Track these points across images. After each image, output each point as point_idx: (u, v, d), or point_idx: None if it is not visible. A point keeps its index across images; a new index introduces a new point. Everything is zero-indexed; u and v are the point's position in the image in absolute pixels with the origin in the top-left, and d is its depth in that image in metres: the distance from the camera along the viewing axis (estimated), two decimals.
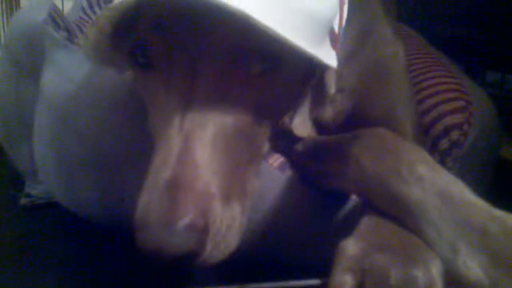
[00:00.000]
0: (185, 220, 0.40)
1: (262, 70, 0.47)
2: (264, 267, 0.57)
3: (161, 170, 0.43)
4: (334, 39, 0.56)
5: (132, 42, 0.49)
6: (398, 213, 0.44)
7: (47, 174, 0.70)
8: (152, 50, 0.47)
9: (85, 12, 1.31)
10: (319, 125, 0.68)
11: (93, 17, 1.33)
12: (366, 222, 0.45)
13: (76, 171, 0.64)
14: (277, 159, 0.61)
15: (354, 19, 0.63)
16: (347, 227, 0.58)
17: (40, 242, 0.72)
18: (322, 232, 0.60)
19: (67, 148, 0.64)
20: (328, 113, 0.69)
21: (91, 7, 1.36)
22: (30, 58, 0.72)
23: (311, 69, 0.54)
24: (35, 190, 0.80)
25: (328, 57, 0.51)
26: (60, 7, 1.24)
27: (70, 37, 0.66)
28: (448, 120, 0.77)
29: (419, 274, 0.37)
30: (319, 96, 0.58)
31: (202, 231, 0.41)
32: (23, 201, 0.80)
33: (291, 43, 0.42)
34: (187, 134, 0.44)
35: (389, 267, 0.38)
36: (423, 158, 0.47)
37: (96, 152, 0.62)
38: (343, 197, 0.60)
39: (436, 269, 0.38)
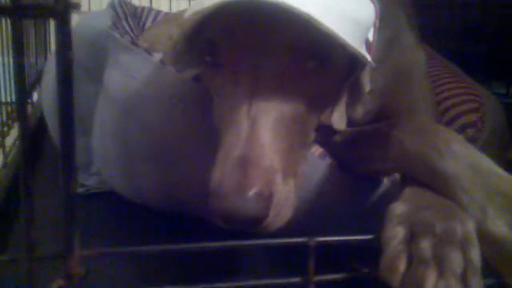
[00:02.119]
0: (254, 190, 0.48)
1: (314, 66, 0.56)
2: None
3: (232, 148, 0.51)
4: (368, 46, 0.64)
5: (202, 43, 0.58)
6: (435, 183, 0.52)
7: (108, 164, 0.78)
8: (220, 50, 0.56)
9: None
10: (350, 123, 0.77)
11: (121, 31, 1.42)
12: (409, 190, 0.53)
13: (138, 161, 0.72)
14: (318, 149, 0.69)
15: (383, 29, 0.72)
16: (379, 206, 0.67)
17: (99, 226, 0.79)
18: (357, 211, 0.68)
19: (130, 139, 0.72)
20: (359, 111, 0.77)
21: (119, 21, 1.45)
22: (92, 61, 0.80)
23: (350, 70, 0.63)
24: (88, 181, 0.88)
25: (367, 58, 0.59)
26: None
27: (132, 41, 0.74)
28: (464, 119, 0.86)
29: (458, 226, 0.45)
30: (355, 94, 0.66)
31: (267, 199, 0.49)
32: (79, 189, 0.87)
33: (345, 42, 0.50)
34: (254, 119, 0.52)
35: (433, 220, 0.45)
36: (456, 137, 0.55)
37: (158, 142, 0.70)
38: (376, 182, 0.69)
39: (471, 225, 0.46)
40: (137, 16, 1.56)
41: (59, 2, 0.39)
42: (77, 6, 0.40)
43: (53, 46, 1.52)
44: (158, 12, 1.50)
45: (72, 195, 0.42)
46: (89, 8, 1.68)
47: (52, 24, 1.70)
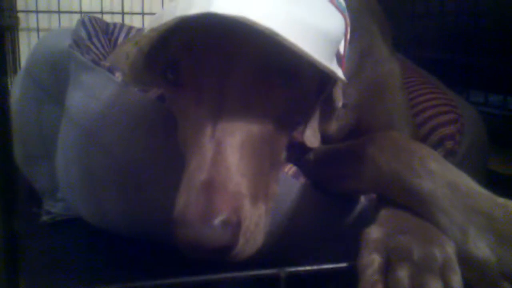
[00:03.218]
0: (220, 217, 0.44)
1: (282, 82, 0.53)
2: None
3: (197, 173, 0.47)
4: (340, 59, 0.62)
5: (163, 61, 0.55)
6: (412, 204, 0.50)
7: (72, 190, 0.74)
8: (182, 68, 0.53)
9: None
10: (324, 139, 0.74)
11: (92, 47, 1.39)
12: (385, 213, 0.51)
13: (102, 186, 0.68)
14: (291, 168, 0.66)
15: (355, 41, 0.69)
16: (357, 226, 0.64)
17: (64, 256, 0.75)
18: (334, 232, 0.65)
19: (93, 163, 0.68)
20: (333, 127, 0.74)
21: (90, 38, 1.42)
22: (54, 81, 0.76)
23: (321, 85, 0.60)
24: (54, 207, 0.84)
25: (338, 73, 0.56)
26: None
27: (95, 60, 0.71)
28: (442, 131, 0.84)
29: (437, 251, 0.42)
30: (328, 110, 0.64)
31: (235, 226, 0.45)
32: (44, 217, 0.83)
33: (312, 58, 0.47)
34: (219, 141, 0.48)
35: (411, 246, 0.43)
36: (432, 154, 0.52)
37: (122, 167, 0.66)
38: (352, 201, 0.66)
39: (450, 249, 0.44)
40: (109, 32, 1.53)
41: None
42: (13, 27, 0.36)
43: (23, 62, 1.47)
44: (130, 28, 1.46)
45: (14, 234, 0.39)
46: (59, 25, 1.64)
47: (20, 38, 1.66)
